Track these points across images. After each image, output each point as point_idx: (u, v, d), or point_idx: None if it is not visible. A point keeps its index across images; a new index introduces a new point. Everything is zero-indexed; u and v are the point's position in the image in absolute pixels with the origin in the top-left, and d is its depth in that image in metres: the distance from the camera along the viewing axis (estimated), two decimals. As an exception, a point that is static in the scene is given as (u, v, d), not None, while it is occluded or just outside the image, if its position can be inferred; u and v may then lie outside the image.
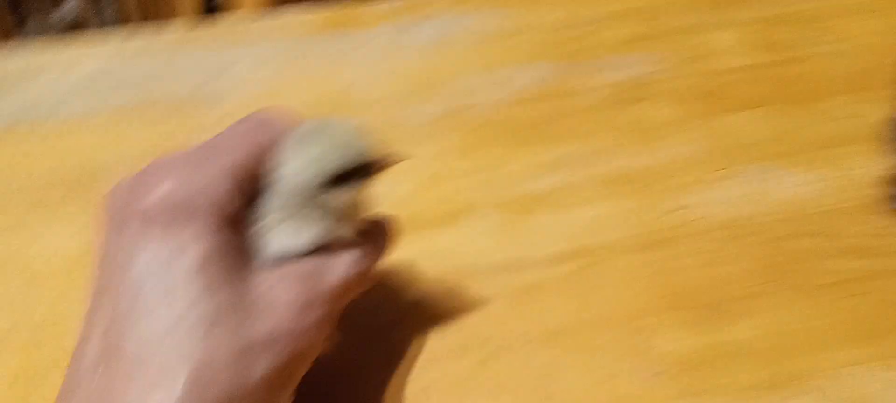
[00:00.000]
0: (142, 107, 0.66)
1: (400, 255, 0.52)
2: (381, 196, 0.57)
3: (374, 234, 0.43)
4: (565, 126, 0.64)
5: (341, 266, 0.40)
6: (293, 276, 0.37)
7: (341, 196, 0.39)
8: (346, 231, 0.40)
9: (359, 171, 0.39)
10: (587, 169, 0.59)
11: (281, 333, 0.35)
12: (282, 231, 0.38)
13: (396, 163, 0.41)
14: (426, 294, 0.50)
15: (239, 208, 0.36)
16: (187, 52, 0.73)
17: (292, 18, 0.79)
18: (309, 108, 0.66)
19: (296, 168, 0.38)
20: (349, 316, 0.47)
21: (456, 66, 0.71)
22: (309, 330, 0.36)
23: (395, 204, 0.56)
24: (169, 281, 0.32)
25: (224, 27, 0.77)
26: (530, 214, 0.56)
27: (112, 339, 0.32)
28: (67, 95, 0.67)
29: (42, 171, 0.60)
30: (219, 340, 0.32)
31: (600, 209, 0.56)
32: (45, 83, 0.69)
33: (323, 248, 0.39)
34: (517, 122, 0.64)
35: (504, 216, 0.55)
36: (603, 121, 0.64)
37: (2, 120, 0.65)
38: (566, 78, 0.69)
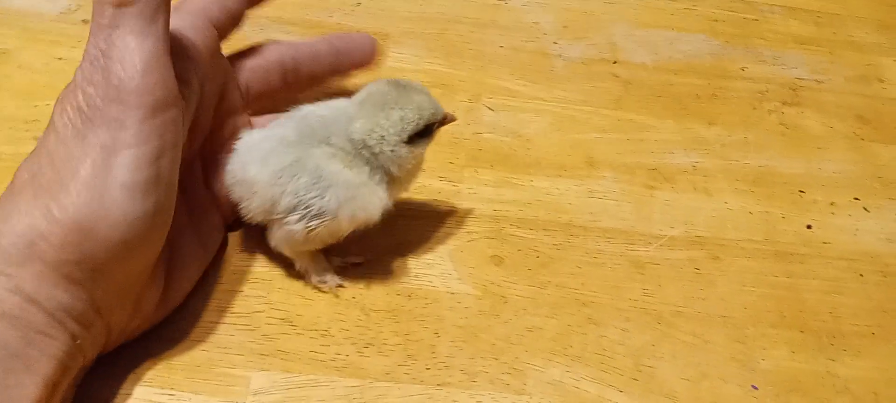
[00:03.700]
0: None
1: (512, 193, 0.52)
2: (511, 128, 0.57)
3: None
4: (716, 109, 0.61)
5: None
6: None
7: (413, 153, 0.43)
8: (405, 181, 0.44)
9: (424, 132, 0.43)
10: (728, 159, 0.57)
11: None
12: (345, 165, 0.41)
13: (451, 122, 0.44)
14: (532, 242, 0.50)
15: None
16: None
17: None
18: (462, 10, 0.65)
19: (373, 126, 0.41)
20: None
21: (618, 14, 0.69)
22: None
23: (523, 140, 0.56)
24: None
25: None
26: (658, 189, 0.54)
27: None
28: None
29: None
30: None
31: (731, 203, 0.54)
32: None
33: None
34: (669, 91, 0.62)
35: (630, 184, 0.54)
36: (756, 115, 0.61)
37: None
38: (726, 59, 0.66)
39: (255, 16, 0.60)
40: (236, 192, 0.42)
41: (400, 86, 0.42)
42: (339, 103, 0.43)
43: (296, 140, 0.41)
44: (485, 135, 0.56)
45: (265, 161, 0.40)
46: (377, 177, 0.42)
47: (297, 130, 0.41)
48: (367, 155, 0.42)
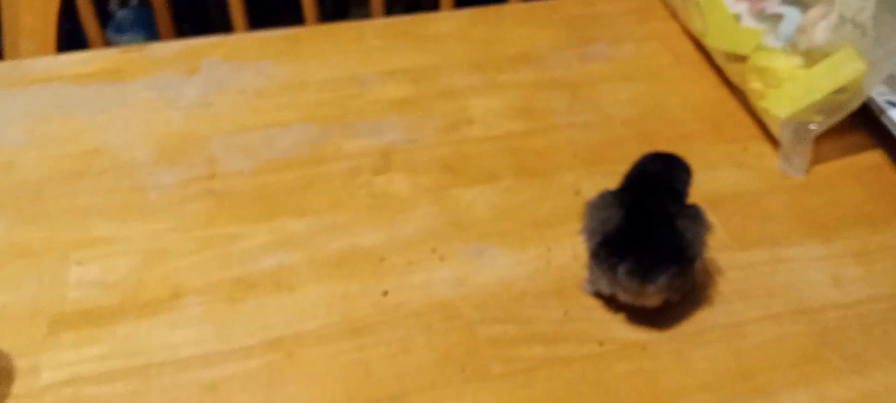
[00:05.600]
0: None
1: (92, 351, 0.53)
2: (98, 279, 0.58)
3: None
4: (308, 199, 0.65)
5: None
6: None
7: None
8: None
9: None
10: (314, 248, 0.61)
11: None
12: None
13: None
14: (106, 398, 0.51)
15: None
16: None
17: (67, 62, 0.79)
18: (59, 166, 0.66)
19: None
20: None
21: (218, 125, 0.72)
22: None
23: (109, 289, 0.57)
24: None
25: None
26: (241, 301, 0.57)
27: None
28: None
29: None
30: None
31: (311, 293, 0.58)
32: None
33: None
34: (264, 193, 0.65)
35: (213, 303, 0.57)
36: (346, 193, 0.66)
37: None
38: (326, 142, 0.70)
39: None
40: None
41: None
42: None
43: None
44: (70, 295, 0.57)
45: None
46: None
47: None
48: None
